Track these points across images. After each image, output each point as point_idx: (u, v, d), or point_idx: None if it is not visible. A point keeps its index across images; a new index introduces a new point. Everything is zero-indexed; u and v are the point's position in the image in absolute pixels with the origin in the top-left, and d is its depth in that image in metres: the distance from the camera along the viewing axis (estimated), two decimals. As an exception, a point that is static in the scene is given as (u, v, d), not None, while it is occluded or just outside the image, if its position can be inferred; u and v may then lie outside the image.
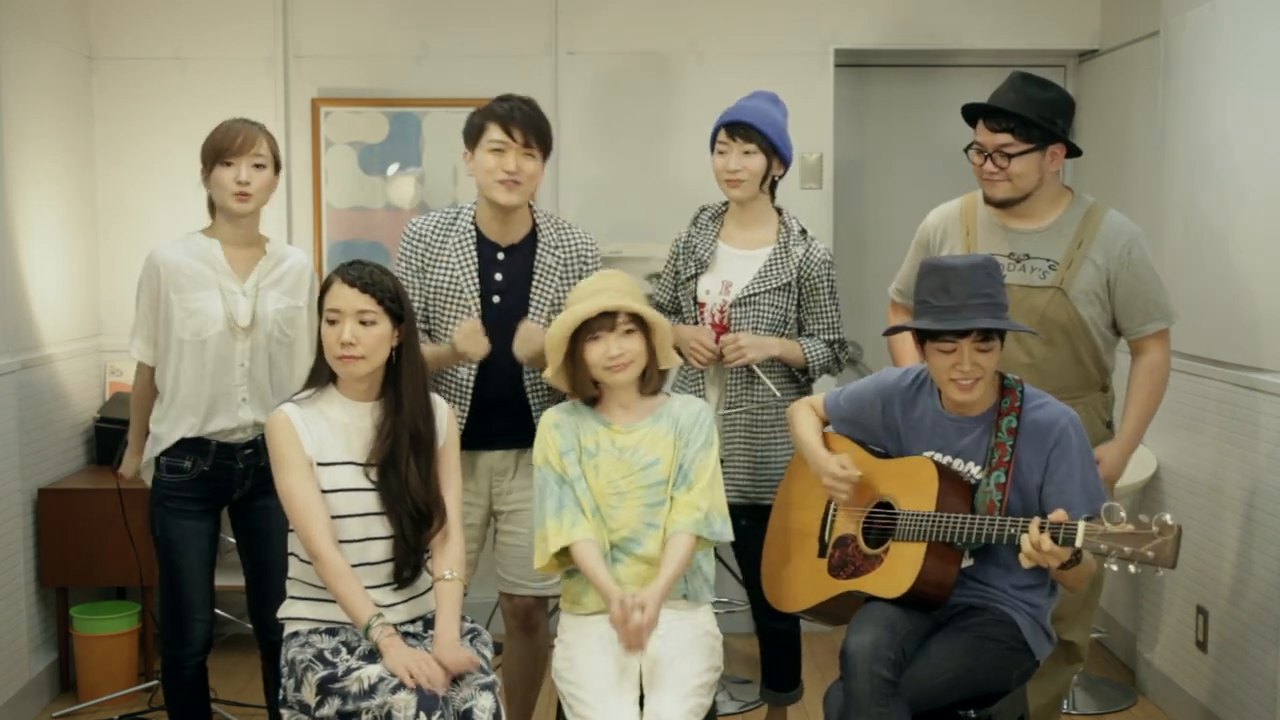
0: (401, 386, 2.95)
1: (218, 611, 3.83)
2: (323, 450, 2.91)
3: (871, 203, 5.36)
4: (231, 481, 3.43)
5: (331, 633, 2.90)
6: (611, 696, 2.87)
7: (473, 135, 3.37)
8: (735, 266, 3.63)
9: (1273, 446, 3.68)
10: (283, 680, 2.88)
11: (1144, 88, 4.60)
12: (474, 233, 3.43)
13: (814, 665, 4.53)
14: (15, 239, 4.23)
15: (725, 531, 3.08)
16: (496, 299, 3.40)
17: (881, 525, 3.00)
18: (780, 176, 3.65)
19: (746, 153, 3.54)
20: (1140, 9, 4.61)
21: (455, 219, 3.45)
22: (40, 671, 4.33)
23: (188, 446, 3.37)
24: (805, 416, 3.24)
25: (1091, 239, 3.41)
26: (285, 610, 2.98)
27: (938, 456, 2.99)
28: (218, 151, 3.34)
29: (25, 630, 4.25)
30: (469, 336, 3.28)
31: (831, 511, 3.16)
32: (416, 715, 2.65)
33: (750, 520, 3.53)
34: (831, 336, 3.65)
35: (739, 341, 3.51)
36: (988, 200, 3.49)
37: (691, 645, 2.98)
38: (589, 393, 3.10)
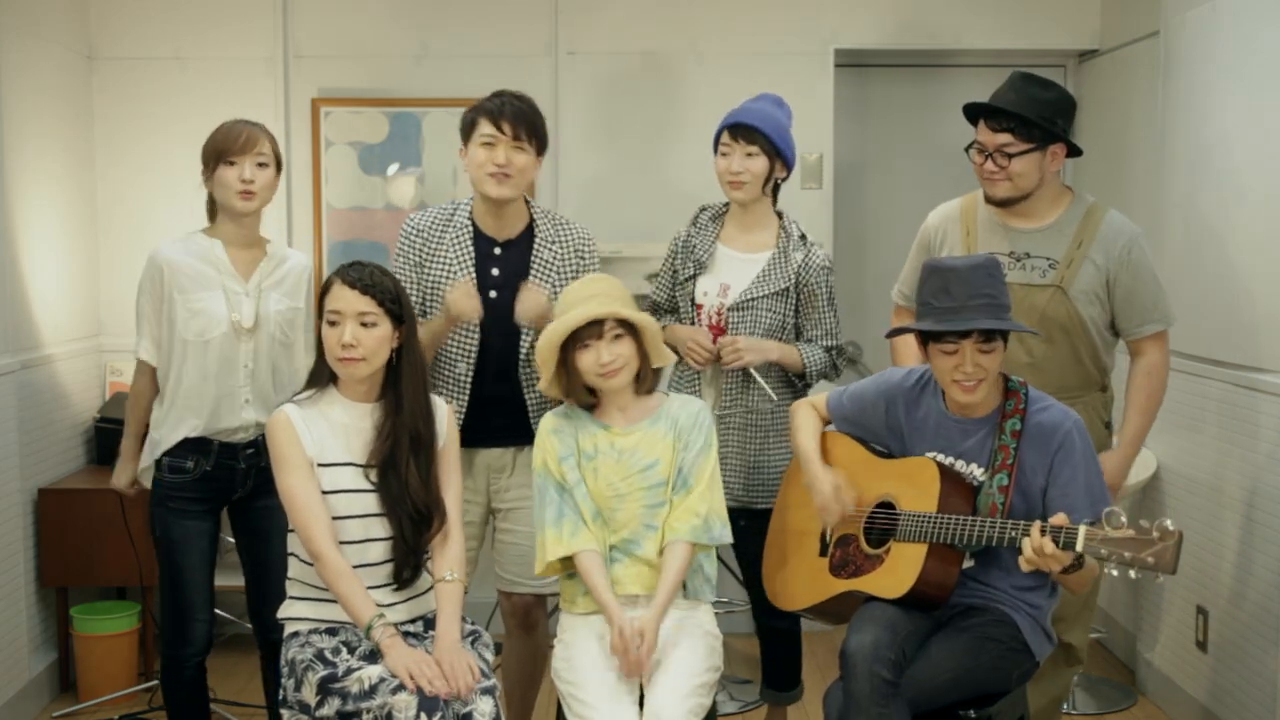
0: (402, 388, 2.95)
1: (218, 611, 3.83)
2: (323, 451, 2.91)
3: (871, 203, 5.35)
4: (233, 481, 3.43)
5: (332, 633, 2.90)
6: (611, 696, 2.87)
7: (466, 131, 3.39)
8: (734, 269, 3.62)
9: (1273, 446, 3.68)
10: (283, 680, 2.88)
11: (1144, 88, 4.60)
12: (471, 228, 3.44)
13: (814, 665, 4.53)
14: (15, 239, 4.23)
15: (725, 534, 3.08)
16: (493, 294, 3.41)
17: (883, 525, 3.00)
18: (783, 180, 3.65)
19: (749, 155, 3.53)
20: (1140, 9, 4.62)
21: (453, 214, 3.46)
22: (40, 671, 4.33)
23: (190, 446, 3.37)
24: (806, 419, 3.24)
25: (1092, 238, 3.41)
26: (285, 610, 2.98)
27: (940, 457, 2.99)
28: (221, 151, 3.34)
29: (25, 630, 4.25)
30: (462, 297, 3.28)
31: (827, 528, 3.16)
32: (417, 716, 2.65)
33: (748, 520, 3.53)
34: (829, 343, 3.64)
35: (737, 344, 3.51)
36: (988, 199, 3.49)
37: (691, 645, 2.98)
38: (585, 400, 3.10)
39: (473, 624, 2.98)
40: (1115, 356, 3.57)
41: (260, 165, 3.37)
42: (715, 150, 3.60)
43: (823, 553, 3.13)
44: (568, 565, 3.05)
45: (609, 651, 2.92)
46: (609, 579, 3.00)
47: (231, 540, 3.61)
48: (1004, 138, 3.37)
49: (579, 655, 2.96)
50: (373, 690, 2.70)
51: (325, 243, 4.95)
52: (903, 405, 3.08)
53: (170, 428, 3.37)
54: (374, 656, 2.80)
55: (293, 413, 2.92)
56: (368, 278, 2.90)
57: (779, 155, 3.57)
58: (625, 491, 3.04)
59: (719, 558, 3.43)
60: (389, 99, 4.93)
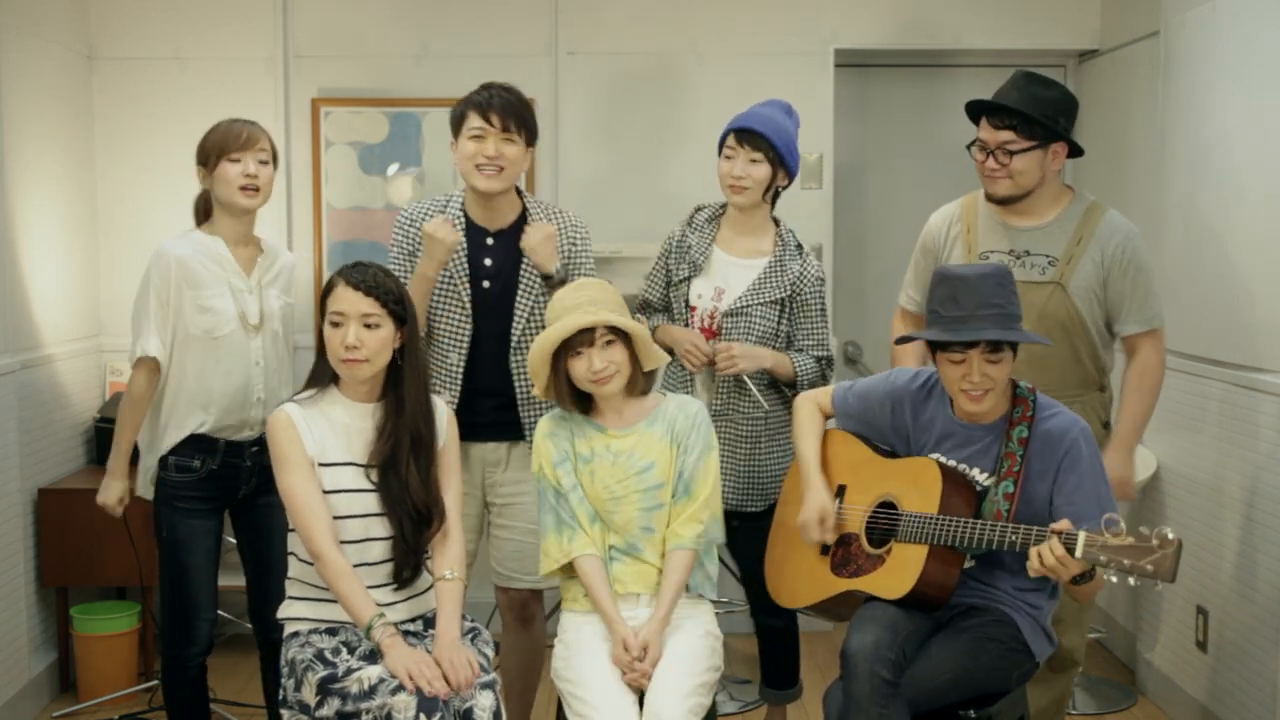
0: (404, 389, 2.95)
1: (218, 611, 3.82)
2: (324, 451, 2.91)
3: (872, 203, 5.36)
4: (238, 480, 3.44)
5: (332, 633, 2.90)
6: (611, 696, 2.86)
7: (455, 124, 3.40)
8: (730, 274, 3.62)
9: (1273, 446, 3.68)
10: (283, 680, 2.88)
11: (1144, 88, 4.60)
12: (463, 218, 3.45)
13: (814, 665, 4.53)
14: (15, 239, 4.23)
15: (720, 534, 3.11)
16: (486, 284, 3.41)
17: (884, 525, 3.00)
18: (784, 188, 3.64)
19: (753, 161, 3.53)
20: (1140, 9, 4.62)
21: (445, 205, 3.48)
22: (40, 671, 4.33)
23: (196, 445, 3.38)
24: (809, 417, 3.23)
25: (1091, 235, 3.41)
26: (285, 610, 2.98)
27: (943, 458, 2.98)
28: (224, 147, 3.35)
29: (25, 630, 4.25)
30: (439, 226, 3.29)
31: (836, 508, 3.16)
32: (416, 717, 2.64)
33: (741, 522, 3.53)
34: (820, 353, 3.64)
35: (732, 351, 3.51)
36: (989, 198, 3.49)
37: (691, 645, 2.98)
38: (576, 408, 3.09)
39: (472, 621, 2.98)
40: (1115, 357, 3.58)
41: (262, 162, 3.40)
42: (719, 151, 3.59)
43: (824, 551, 3.13)
44: (568, 568, 3.06)
45: (611, 662, 2.93)
46: (609, 584, 3.01)
47: (232, 540, 3.60)
48: (1006, 135, 3.37)
49: (579, 654, 2.96)
50: (372, 691, 2.69)
51: (325, 243, 4.95)
52: (909, 408, 3.07)
53: (177, 424, 3.37)
54: (374, 657, 2.80)
55: (294, 412, 2.92)
56: (371, 279, 2.90)
57: (783, 164, 3.56)
58: (622, 494, 3.04)
59: (720, 558, 3.43)
60: (389, 99, 4.93)
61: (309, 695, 2.76)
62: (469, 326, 3.40)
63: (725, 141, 3.58)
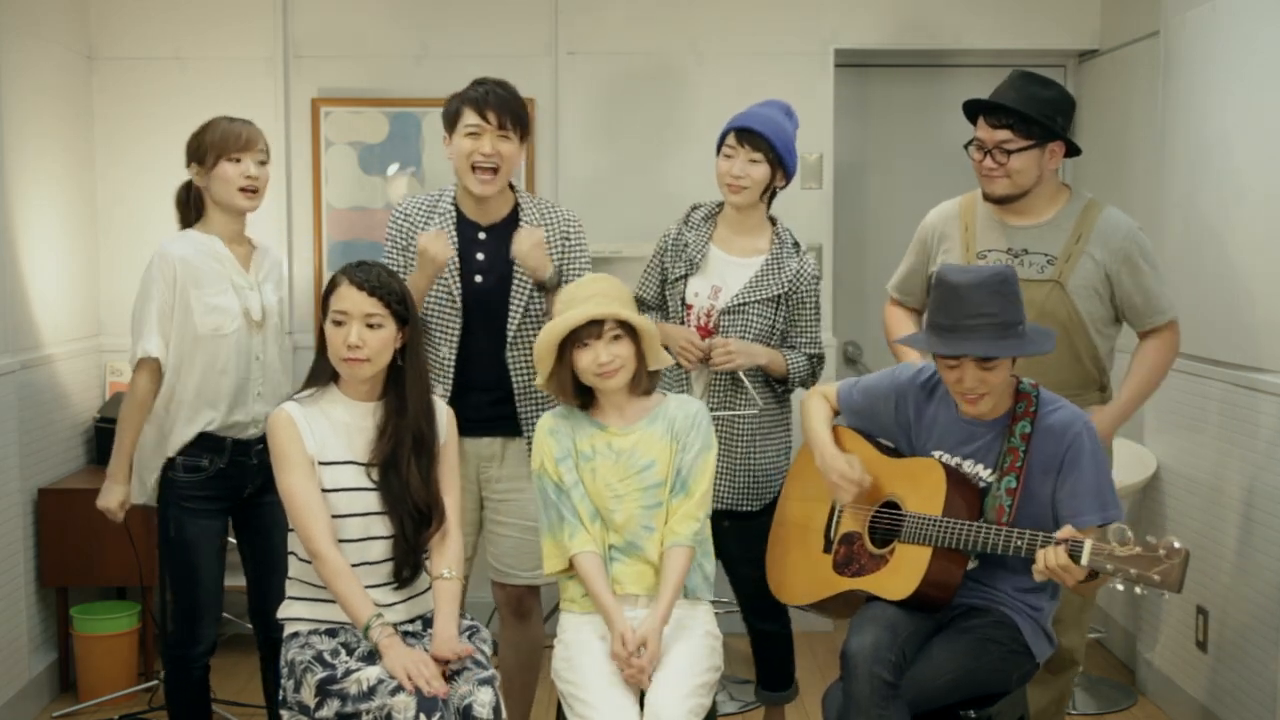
0: (405, 389, 2.95)
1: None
2: (324, 449, 2.91)
3: (871, 203, 5.36)
4: (245, 478, 3.44)
5: (331, 634, 2.90)
6: (611, 696, 2.86)
7: (450, 120, 3.39)
8: (726, 272, 3.62)
9: (1272, 446, 3.68)
10: (282, 681, 2.88)
11: (1144, 88, 4.60)
12: (455, 213, 3.45)
13: (814, 665, 4.53)
14: (15, 239, 4.23)
15: (707, 531, 3.12)
16: (478, 278, 3.41)
17: (887, 525, 3.00)
18: (781, 188, 3.65)
19: (752, 161, 3.53)
20: (1140, 9, 4.62)
21: (438, 200, 3.48)
22: (40, 671, 4.33)
23: (204, 445, 3.38)
24: (817, 407, 3.22)
25: (1089, 233, 3.41)
26: (284, 610, 2.98)
27: (946, 458, 2.98)
28: (224, 147, 3.35)
29: (25, 630, 4.24)
30: (433, 239, 3.29)
31: (838, 507, 3.16)
32: (416, 717, 2.64)
33: (732, 522, 3.53)
34: (813, 351, 3.65)
35: (729, 347, 3.51)
36: (986, 197, 3.49)
37: (691, 645, 2.98)
38: (577, 402, 3.09)
39: (471, 619, 2.98)
40: (1115, 358, 3.58)
41: (261, 163, 3.41)
42: (718, 150, 3.60)
43: (826, 549, 3.13)
44: (568, 567, 3.06)
45: (610, 658, 2.93)
46: (609, 581, 3.01)
47: (232, 540, 3.60)
48: (1003, 134, 3.37)
49: (579, 655, 2.96)
50: (371, 692, 2.69)
51: (325, 243, 4.95)
52: (912, 403, 3.07)
53: (186, 423, 3.36)
54: (373, 658, 2.80)
55: (294, 411, 2.92)
56: (375, 279, 2.90)
57: (781, 165, 3.57)
58: (623, 492, 3.04)
59: (719, 558, 3.43)
60: (389, 99, 4.92)
61: (308, 697, 2.76)
62: (459, 321, 3.40)
63: (724, 140, 3.58)
